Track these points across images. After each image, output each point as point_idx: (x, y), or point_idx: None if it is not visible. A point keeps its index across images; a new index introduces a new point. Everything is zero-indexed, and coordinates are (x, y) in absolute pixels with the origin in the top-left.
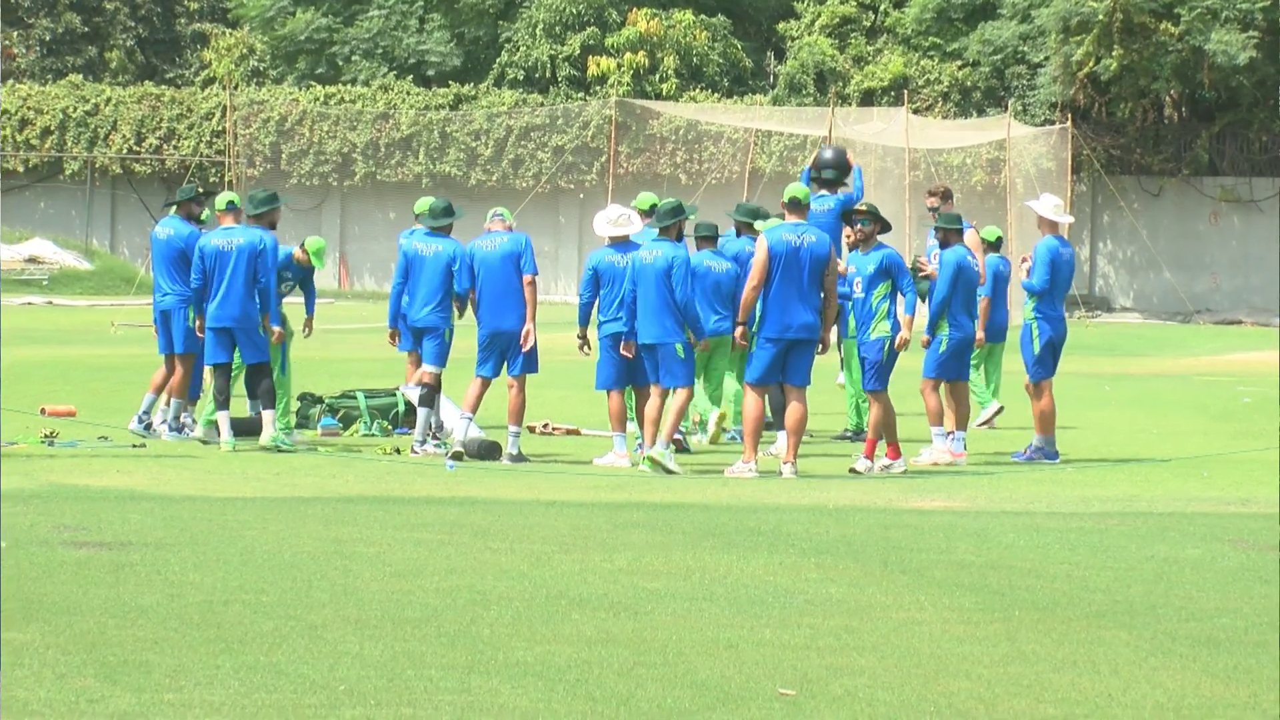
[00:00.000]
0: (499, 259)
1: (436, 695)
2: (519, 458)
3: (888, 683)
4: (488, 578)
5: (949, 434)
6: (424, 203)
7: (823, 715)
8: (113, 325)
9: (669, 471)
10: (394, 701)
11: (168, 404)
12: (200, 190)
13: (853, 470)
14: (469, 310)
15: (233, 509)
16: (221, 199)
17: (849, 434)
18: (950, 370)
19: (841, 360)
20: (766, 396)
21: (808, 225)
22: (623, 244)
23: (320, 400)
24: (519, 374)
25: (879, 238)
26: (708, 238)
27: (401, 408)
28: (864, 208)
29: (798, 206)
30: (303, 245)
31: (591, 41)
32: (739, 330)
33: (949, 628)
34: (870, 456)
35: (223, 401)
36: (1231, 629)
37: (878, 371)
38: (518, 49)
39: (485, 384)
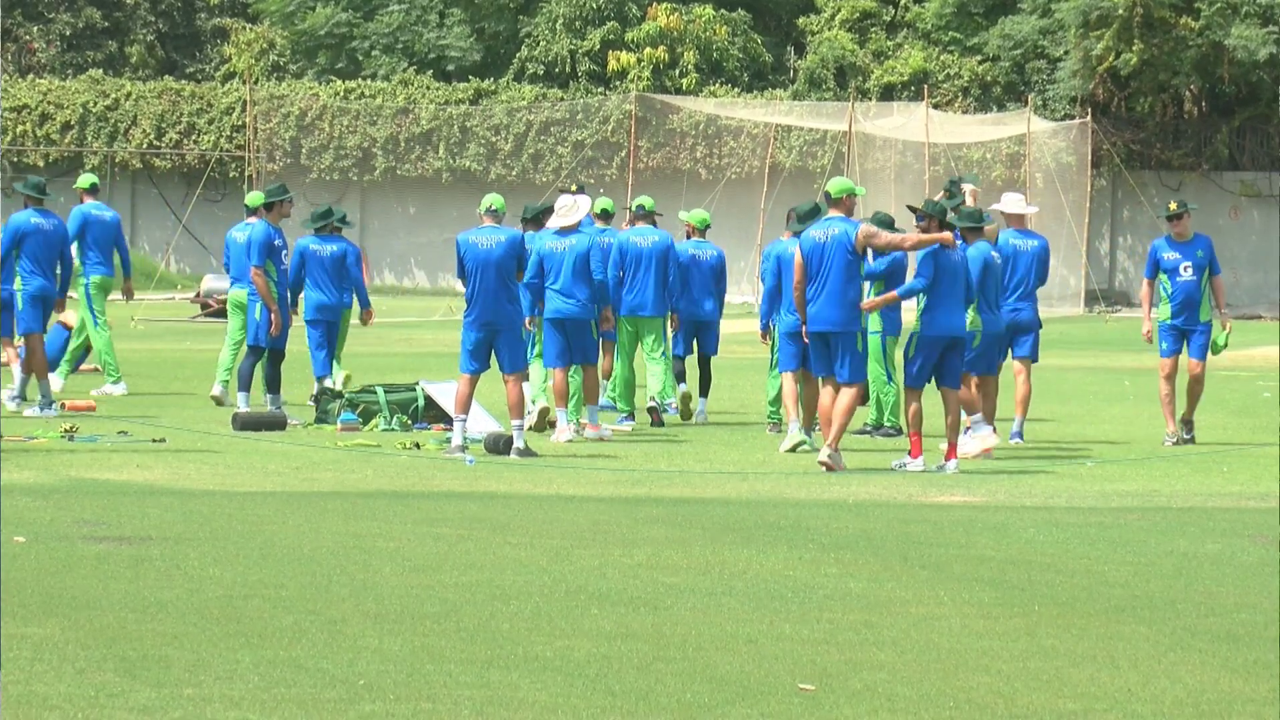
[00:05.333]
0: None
1: (455, 690)
2: (527, 451)
3: (907, 677)
4: (507, 572)
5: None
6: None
7: (842, 710)
8: (133, 320)
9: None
10: (413, 696)
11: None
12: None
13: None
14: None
15: (252, 504)
16: None
17: (869, 428)
18: (979, 365)
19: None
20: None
21: (837, 219)
22: (566, 231)
23: (340, 395)
24: (512, 370)
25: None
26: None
27: (421, 403)
28: (923, 207)
29: (830, 200)
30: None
31: (611, 36)
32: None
33: (968, 622)
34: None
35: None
36: (1251, 624)
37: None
38: (538, 44)
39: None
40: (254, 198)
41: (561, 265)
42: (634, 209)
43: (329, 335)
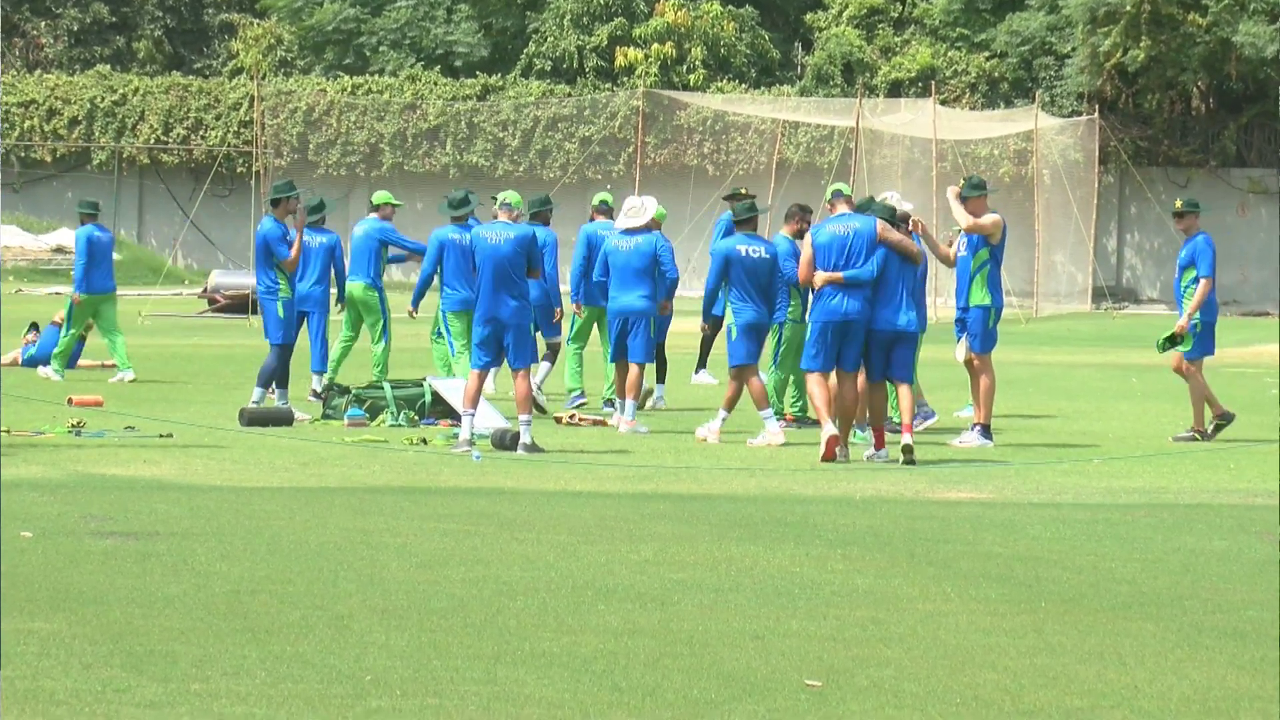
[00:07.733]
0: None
1: (462, 685)
2: (534, 447)
3: (914, 674)
4: (514, 568)
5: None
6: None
7: (849, 706)
8: (140, 315)
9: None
10: (420, 692)
11: None
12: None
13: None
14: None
15: (259, 499)
16: None
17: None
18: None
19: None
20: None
21: (850, 214)
22: (632, 232)
23: (347, 390)
24: (519, 366)
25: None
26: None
27: (428, 398)
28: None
29: (842, 197)
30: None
31: (619, 32)
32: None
33: (975, 619)
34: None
35: None
36: (1258, 621)
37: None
38: (545, 40)
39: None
40: (381, 196)
41: (624, 264)
42: (596, 204)
43: (325, 326)
